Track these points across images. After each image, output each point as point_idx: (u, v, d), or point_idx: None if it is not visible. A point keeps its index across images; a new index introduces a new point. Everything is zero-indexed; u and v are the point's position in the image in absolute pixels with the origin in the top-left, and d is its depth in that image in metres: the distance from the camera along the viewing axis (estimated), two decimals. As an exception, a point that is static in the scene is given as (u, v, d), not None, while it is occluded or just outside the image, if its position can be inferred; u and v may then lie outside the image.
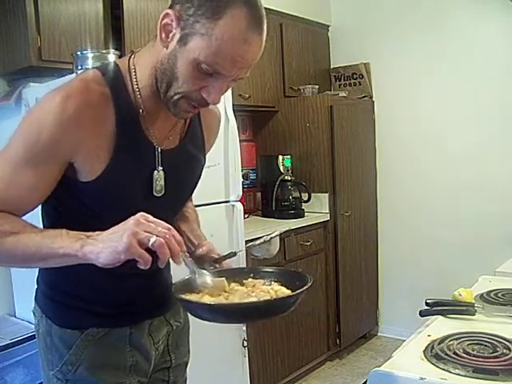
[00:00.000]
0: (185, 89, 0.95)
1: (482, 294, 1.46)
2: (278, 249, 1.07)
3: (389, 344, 3.56)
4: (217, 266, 1.13)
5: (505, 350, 1.05)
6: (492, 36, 3.20)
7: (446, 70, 3.36)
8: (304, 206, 3.25)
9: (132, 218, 0.88)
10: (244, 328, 2.50)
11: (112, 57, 2.06)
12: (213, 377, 2.33)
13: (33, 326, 2.15)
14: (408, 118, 3.56)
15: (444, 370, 1.00)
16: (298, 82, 3.48)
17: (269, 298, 0.98)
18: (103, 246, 0.87)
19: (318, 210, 3.28)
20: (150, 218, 0.89)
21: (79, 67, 1.98)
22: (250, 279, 1.10)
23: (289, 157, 3.28)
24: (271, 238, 1.04)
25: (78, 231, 0.92)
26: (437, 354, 1.06)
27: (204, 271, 1.05)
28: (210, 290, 1.03)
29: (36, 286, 1.19)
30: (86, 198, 1.01)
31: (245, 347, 2.51)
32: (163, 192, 1.08)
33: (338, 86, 3.82)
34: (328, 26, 3.83)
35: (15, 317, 2.32)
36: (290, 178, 3.25)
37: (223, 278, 1.04)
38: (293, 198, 3.23)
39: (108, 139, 0.98)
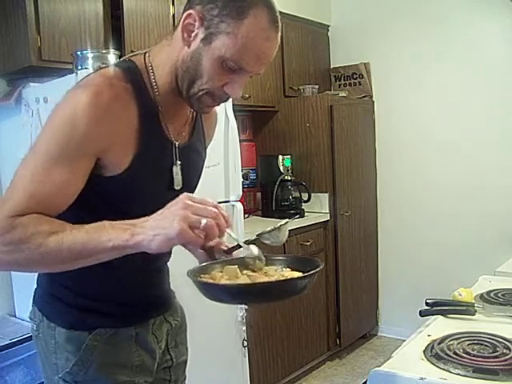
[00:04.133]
0: (209, 85, 0.99)
1: (481, 294, 1.46)
2: (286, 237, 1.09)
3: (389, 344, 3.56)
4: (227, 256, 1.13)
5: (505, 350, 1.05)
6: (492, 36, 3.20)
7: (446, 70, 3.36)
8: (304, 205, 3.25)
9: (178, 200, 0.87)
10: (244, 328, 2.50)
11: (112, 57, 2.06)
12: (213, 377, 2.33)
13: (33, 326, 2.16)
14: (408, 117, 3.56)
15: (444, 369, 1.00)
16: (298, 82, 3.49)
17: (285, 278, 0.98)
18: (154, 234, 0.85)
19: (317, 209, 3.28)
20: (196, 198, 0.89)
21: (79, 67, 1.98)
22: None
23: (289, 157, 3.28)
24: (281, 225, 1.06)
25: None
26: (437, 353, 1.06)
27: (251, 245, 1.04)
28: (250, 263, 1.02)
29: (36, 289, 1.17)
30: (110, 193, 1.01)
31: (245, 347, 2.51)
32: (181, 186, 1.11)
33: (337, 85, 3.82)
34: (328, 26, 3.83)
35: (15, 317, 2.32)
36: (290, 178, 3.25)
37: (235, 266, 1.04)
38: (293, 197, 3.24)
39: (133, 134, 1.00)
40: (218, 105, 1.08)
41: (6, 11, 2.15)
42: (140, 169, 1.01)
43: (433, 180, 3.48)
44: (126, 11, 2.36)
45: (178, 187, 1.10)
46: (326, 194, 3.26)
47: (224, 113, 2.37)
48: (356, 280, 3.50)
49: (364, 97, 3.67)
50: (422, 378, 0.96)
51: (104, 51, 2.08)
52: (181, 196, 0.88)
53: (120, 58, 2.11)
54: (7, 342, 1.99)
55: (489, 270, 1.79)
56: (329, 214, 3.26)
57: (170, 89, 1.04)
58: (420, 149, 3.52)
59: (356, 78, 3.71)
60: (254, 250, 1.02)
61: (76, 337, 1.07)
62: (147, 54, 1.06)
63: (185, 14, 0.97)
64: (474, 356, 1.03)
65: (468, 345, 1.09)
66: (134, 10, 2.40)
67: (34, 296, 1.18)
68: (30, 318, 1.17)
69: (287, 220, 1.07)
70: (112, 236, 0.87)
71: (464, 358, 1.02)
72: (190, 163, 1.15)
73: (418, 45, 3.44)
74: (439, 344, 1.11)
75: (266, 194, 3.28)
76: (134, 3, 2.40)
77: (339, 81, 3.80)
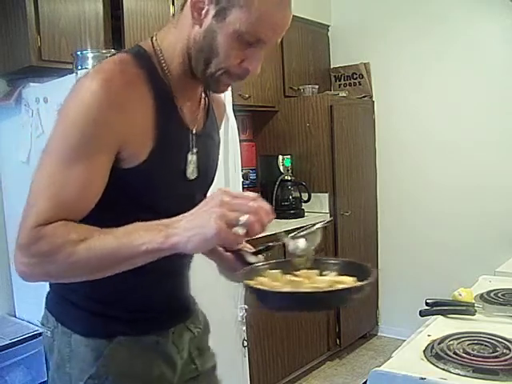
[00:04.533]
0: (226, 63, 0.95)
1: (481, 294, 1.46)
2: (319, 241, 1.03)
3: (389, 344, 3.56)
4: (260, 259, 1.05)
5: (505, 350, 1.05)
6: (492, 36, 3.20)
7: (446, 70, 3.36)
8: (304, 205, 3.25)
9: (213, 196, 0.82)
10: (244, 328, 2.50)
11: (112, 57, 2.06)
12: (213, 377, 2.32)
13: (32, 326, 2.17)
14: (408, 117, 3.56)
15: (444, 369, 1.00)
16: (298, 82, 3.48)
17: (345, 286, 0.89)
18: (190, 235, 0.80)
19: (317, 209, 3.28)
20: (233, 192, 0.83)
21: (79, 67, 1.98)
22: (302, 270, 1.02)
23: (289, 157, 3.28)
24: (317, 228, 1.01)
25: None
26: (437, 353, 1.06)
27: (298, 240, 0.99)
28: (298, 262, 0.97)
29: (49, 292, 1.11)
30: (131, 187, 0.95)
31: (245, 347, 2.51)
32: (196, 175, 1.06)
33: (337, 85, 3.82)
34: (328, 26, 3.83)
35: (15, 317, 2.32)
36: (289, 178, 3.25)
37: (279, 271, 0.98)
38: (293, 197, 3.24)
39: (150, 121, 0.95)
40: (235, 82, 1.02)
41: (6, 11, 2.15)
42: (160, 157, 0.96)
43: (433, 180, 3.48)
44: (126, 11, 2.36)
45: (192, 176, 1.04)
46: (326, 194, 3.26)
47: (224, 113, 2.37)
48: (356, 280, 3.50)
49: (364, 97, 3.67)
50: (421, 378, 0.96)
51: (104, 51, 2.07)
52: (216, 191, 0.83)
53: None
54: (7, 342, 1.99)
55: (489, 270, 1.79)
56: (329, 214, 3.26)
57: (182, 71, 1.00)
58: (420, 149, 3.52)
59: (356, 78, 3.71)
60: (302, 244, 0.96)
61: (94, 345, 1.00)
62: (154, 38, 1.02)
63: None
64: (473, 356, 1.03)
65: (468, 345, 1.09)
66: (134, 10, 2.40)
67: (46, 300, 1.12)
68: (43, 324, 1.10)
69: (324, 221, 1.01)
70: (145, 239, 0.82)
71: (464, 358, 1.02)
72: (207, 151, 1.10)
73: (418, 45, 3.44)
74: (439, 344, 1.11)
75: (266, 194, 3.28)
76: (134, 3, 2.40)
77: (339, 81, 3.80)
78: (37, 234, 0.85)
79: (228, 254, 1.01)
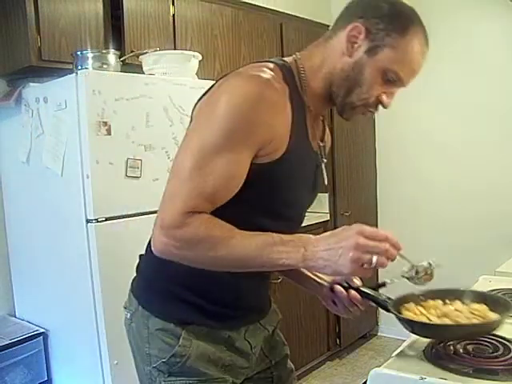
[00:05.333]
0: (367, 95, 1.04)
1: (482, 294, 1.46)
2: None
3: (389, 344, 3.56)
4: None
5: (505, 350, 1.05)
6: (492, 36, 3.20)
7: (445, 70, 3.35)
8: (304, 205, 3.24)
9: (350, 235, 0.91)
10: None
11: (112, 57, 2.06)
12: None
13: (33, 326, 2.17)
14: (408, 118, 3.55)
15: (444, 369, 1.00)
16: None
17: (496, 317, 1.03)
18: (325, 264, 0.91)
19: (318, 209, 3.27)
20: (367, 231, 0.92)
21: (79, 67, 1.98)
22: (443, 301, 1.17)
23: (289, 157, 3.27)
24: (434, 268, 1.13)
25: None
26: (437, 353, 1.06)
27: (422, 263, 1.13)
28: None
29: (135, 278, 1.18)
30: (258, 182, 1.01)
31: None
32: (315, 189, 1.18)
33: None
34: (328, 26, 3.79)
35: (15, 317, 2.32)
36: (290, 178, 3.24)
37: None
38: (293, 197, 3.23)
39: (287, 131, 1.02)
40: (367, 113, 1.11)
41: (6, 11, 2.15)
42: (288, 164, 1.03)
43: (433, 180, 3.48)
44: (126, 11, 2.36)
45: (315, 190, 1.18)
46: (326, 194, 3.26)
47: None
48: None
49: (364, 97, 3.66)
50: (421, 378, 0.96)
51: (104, 51, 2.08)
52: (353, 229, 0.91)
53: (120, 57, 2.11)
54: (7, 342, 1.99)
55: (489, 270, 1.79)
56: (329, 214, 3.26)
57: (319, 93, 1.08)
58: (420, 149, 3.52)
59: (356, 78, 3.71)
60: (422, 267, 1.11)
61: (170, 329, 1.07)
62: (298, 57, 1.10)
63: (350, 26, 1.02)
64: (474, 356, 1.03)
65: (468, 345, 1.09)
66: (134, 9, 2.40)
67: (133, 284, 1.19)
68: (125, 307, 1.17)
69: (432, 262, 1.13)
70: (283, 255, 0.91)
71: (464, 358, 1.02)
72: (321, 169, 1.20)
73: (418, 45, 3.43)
74: (439, 344, 1.10)
75: (266, 193, 3.28)
76: (134, 3, 2.40)
77: (339, 81, 3.80)
78: (184, 220, 0.92)
79: (339, 288, 1.12)
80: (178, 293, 1.09)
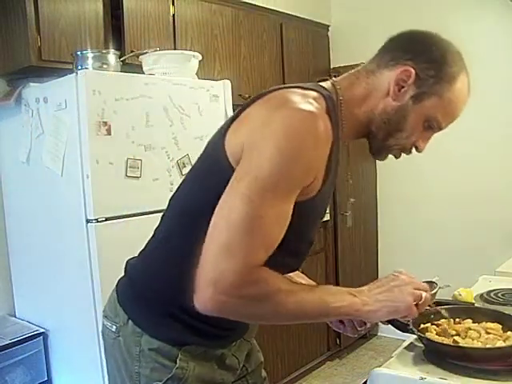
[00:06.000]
0: (406, 141, 1.03)
1: (481, 294, 1.46)
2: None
3: (389, 344, 3.55)
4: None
5: (505, 350, 1.05)
6: (492, 36, 3.19)
7: (446, 70, 3.35)
8: (304, 205, 3.24)
9: (396, 275, 0.96)
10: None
11: (112, 57, 2.06)
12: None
13: (33, 326, 2.17)
14: (408, 117, 3.55)
15: (444, 369, 1.00)
16: (298, 82, 3.48)
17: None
18: (381, 306, 0.92)
19: (318, 209, 3.27)
20: (408, 273, 0.98)
21: (79, 67, 1.98)
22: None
23: (289, 157, 3.27)
24: (439, 288, 1.12)
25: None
26: (437, 353, 1.06)
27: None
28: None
29: (125, 289, 1.10)
30: (293, 221, 0.92)
31: (245, 347, 2.51)
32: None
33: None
34: (328, 26, 3.83)
35: (15, 317, 2.32)
36: (290, 178, 3.24)
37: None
38: (293, 197, 3.23)
39: (325, 162, 0.96)
40: (399, 156, 1.10)
41: (6, 11, 2.14)
42: (319, 201, 1.00)
43: (433, 180, 3.48)
44: (125, 11, 2.36)
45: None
46: (326, 194, 3.25)
47: (224, 113, 2.37)
48: (356, 280, 3.50)
49: (364, 97, 3.66)
50: (421, 378, 0.96)
51: (104, 51, 2.08)
52: (395, 272, 0.97)
53: (120, 57, 2.11)
54: (7, 342, 1.99)
55: (489, 270, 1.79)
56: (329, 214, 3.26)
57: (355, 129, 1.04)
58: (420, 149, 3.51)
59: (356, 78, 3.71)
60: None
61: (167, 350, 1.02)
62: (337, 86, 1.04)
63: (401, 69, 0.98)
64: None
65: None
66: (134, 9, 2.40)
67: (120, 294, 1.11)
68: (108, 317, 1.11)
69: (438, 286, 1.11)
70: (344, 303, 0.91)
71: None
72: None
73: (418, 45, 3.43)
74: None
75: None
76: (134, 3, 2.40)
77: (339, 81, 3.80)
78: (250, 277, 0.84)
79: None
80: (176, 314, 1.02)
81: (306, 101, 0.92)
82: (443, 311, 1.18)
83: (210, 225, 0.87)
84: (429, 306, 1.05)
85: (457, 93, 0.98)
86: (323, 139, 0.91)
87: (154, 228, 1.11)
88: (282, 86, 1.00)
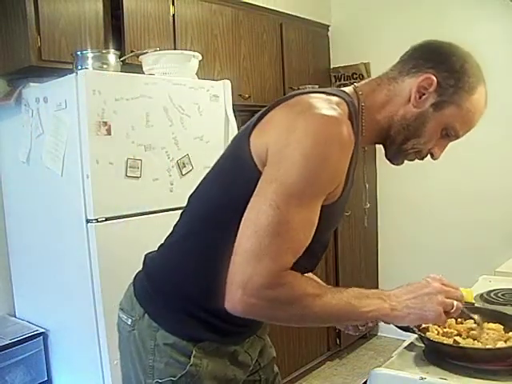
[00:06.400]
0: (423, 146, 1.06)
1: (481, 294, 1.46)
2: None
3: (389, 344, 3.55)
4: None
5: (505, 350, 1.05)
6: (492, 36, 3.19)
7: (446, 70, 3.35)
8: (304, 205, 3.24)
9: (430, 282, 0.96)
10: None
11: (112, 57, 2.06)
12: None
13: (33, 326, 2.17)
14: (408, 117, 3.55)
15: (444, 369, 1.00)
16: (298, 82, 3.48)
17: None
18: (409, 312, 0.93)
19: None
20: (444, 279, 0.98)
21: (79, 67, 1.98)
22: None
23: (289, 157, 3.27)
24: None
25: None
26: (437, 353, 1.06)
27: None
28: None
29: (144, 283, 1.11)
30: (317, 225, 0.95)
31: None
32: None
33: (338, 86, 3.82)
34: (328, 26, 3.83)
35: (15, 317, 2.32)
36: (290, 178, 3.24)
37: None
38: (293, 197, 3.23)
39: (347, 166, 0.99)
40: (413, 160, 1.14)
41: (6, 11, 2.14)
42: (340, 205, 1.02)
43: (433, 180, 3.48)
44: (125, 11, 2.36)
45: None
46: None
47: (224, 113, 2.38)
48: (356, 280, 3.50)
49: (364, 97, 3.66)
50: (421, 378, 0.96)
51: (104, 51, 2.07)
52: (431, 276, 0.98)
53: (120, 57, 2.11)
54: (7, 342, 1.99)
55: (489, 270, 1.79)
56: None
57: (374, 134, 1.07)
58: (420, 149, 3.51)
59: (356, 78, 3.70)
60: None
61: (182, 346, 1.03)
62: (359, 93, 1.06)
63: (423, 77, 1.00)
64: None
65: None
66: (134, 9, 2.40)
67: (136, 288, 1.12)
68: (124, 310, 1.12)
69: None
70: (372, 307, 0.92)
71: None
72: None
73: (418, 45, 3.43)
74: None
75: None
76: (134, 3, 2.40)
77: (339, 81, 3.80)
78: (278, 280, 0.86)
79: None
80: (193, 311, 1.04)
81: (329, 106, 0.93)
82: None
83: (239, 230, 0.89)
84: None
85: (475, 103, 1.00)
86: (347, 145, 0.93)
87: (173, 224, 1.14)
88: (306, 90, 1.02)
